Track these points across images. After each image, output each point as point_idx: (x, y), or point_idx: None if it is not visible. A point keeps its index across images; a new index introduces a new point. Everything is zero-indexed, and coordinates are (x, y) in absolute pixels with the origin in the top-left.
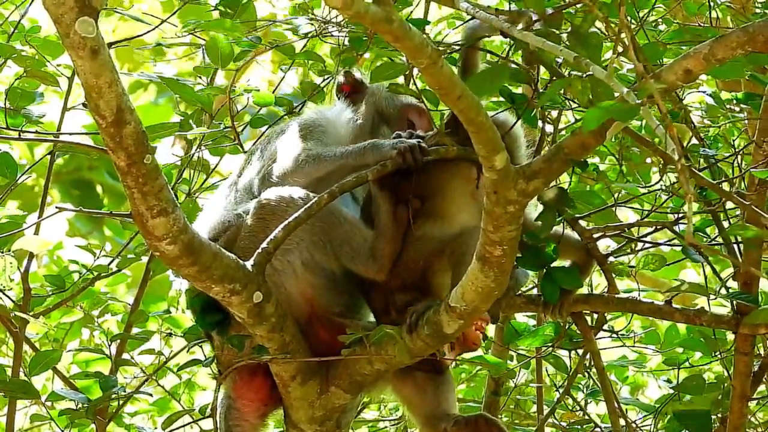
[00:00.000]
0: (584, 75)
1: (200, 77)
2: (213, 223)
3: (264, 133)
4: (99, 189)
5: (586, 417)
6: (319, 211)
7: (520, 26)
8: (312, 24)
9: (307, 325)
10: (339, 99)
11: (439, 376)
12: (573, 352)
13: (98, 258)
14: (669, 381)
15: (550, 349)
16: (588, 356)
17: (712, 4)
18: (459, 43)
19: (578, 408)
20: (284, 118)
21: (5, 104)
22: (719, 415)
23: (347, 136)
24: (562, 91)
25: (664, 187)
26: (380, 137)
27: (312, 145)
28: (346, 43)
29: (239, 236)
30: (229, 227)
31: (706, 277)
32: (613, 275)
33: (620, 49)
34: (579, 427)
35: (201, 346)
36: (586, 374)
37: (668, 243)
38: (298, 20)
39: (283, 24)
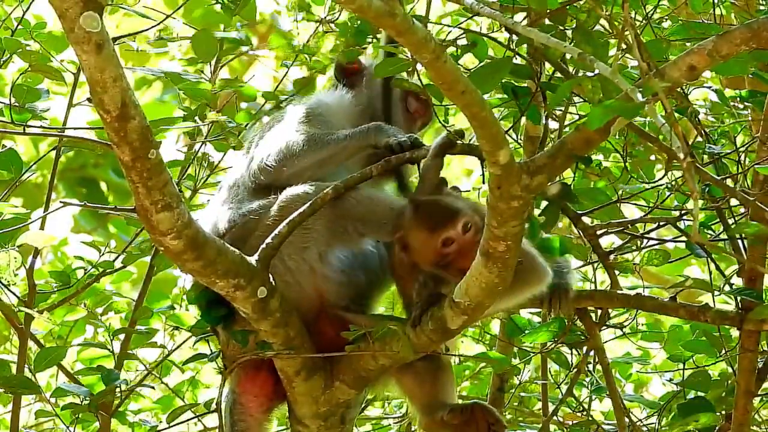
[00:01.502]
0: (590, 73)
1: (202, 73)
2: (216, 222)
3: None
4: (104, 186)
5: (589, 418)
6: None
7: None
8: (308, 20)
9: (314, 320)
10: (338, 83)
11: (435, 362)
12: (576, 349)
13: (103, 254)
14: (671, 380)
15: (554, 345)
16: (592, 353)
17: (716, 0)
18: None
19: (581, 409)
20: (274, 110)
21: (10, 100)
22: (724, 412)
23: (348, 120)
24: None
25: (668, 184)
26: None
27: (309, 128)
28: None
29: (253, 235)
30: (234, 226)
31: (710, 274)
32: (617, 272)
33: (624, 46)
34: (582, 427)
35: (207, 341)
36: (589, 372)
37: (672, 239)
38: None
39: (284, 20)
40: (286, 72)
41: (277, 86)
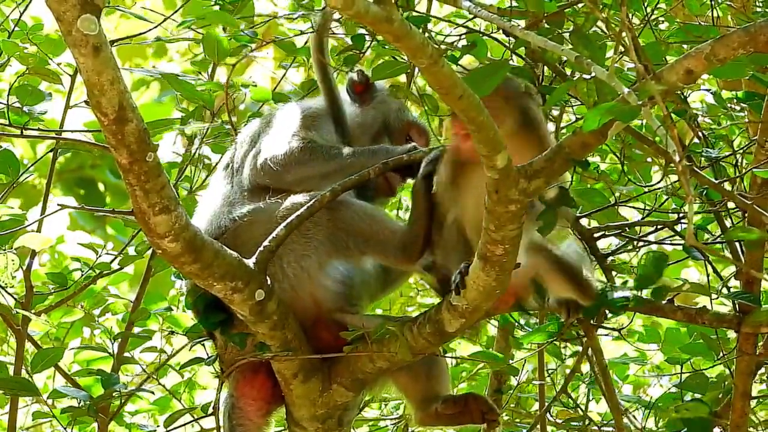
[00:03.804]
0: (587, 76)
1: (200, 74)
2: (207, 225)
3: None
4: (102, 187)
5: (587, 421)
6: (323, 209)
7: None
8: (309, 21)
9: (311, 325)
10: (348, 94)
11: (427, 356)
12: (571, 343)
13: (100, 256)
14: (669, 381)
15: (552, 343)
16: (589, 352)
17: (712, 3)
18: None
19: (575, 405)
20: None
21: (8, 102)
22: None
23: (348, 131)
24: None
25: (665, 187)
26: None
27: (315, 137)
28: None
29: (244, 240)
30: (225, 232)
31: (708, 277)
32: (614, 274)
33: (621, 49)
34: (576, 424)
35: (203, 344)
36: (582, 375)
37: (670, 242)
38: (296, 15)
39: (283, 20)
40: (284, 75)
41: (275, 87)
